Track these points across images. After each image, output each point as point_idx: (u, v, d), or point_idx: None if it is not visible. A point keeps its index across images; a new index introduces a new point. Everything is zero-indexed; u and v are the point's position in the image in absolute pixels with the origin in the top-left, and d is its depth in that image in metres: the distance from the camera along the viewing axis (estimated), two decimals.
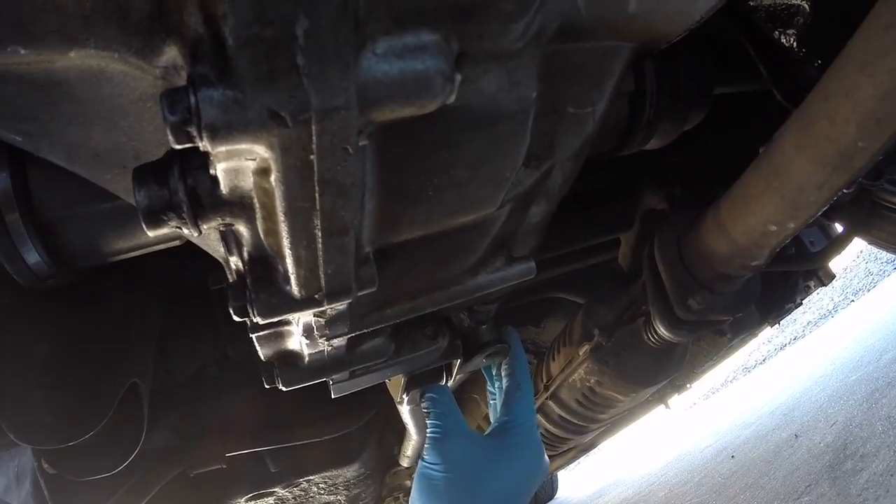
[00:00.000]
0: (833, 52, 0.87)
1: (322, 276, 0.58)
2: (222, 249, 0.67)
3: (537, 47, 0.58)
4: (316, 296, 0.61)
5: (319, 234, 0.53)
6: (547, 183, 0.80)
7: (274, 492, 2.13)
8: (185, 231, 0.54)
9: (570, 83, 0.68)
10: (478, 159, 0.62)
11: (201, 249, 0.76)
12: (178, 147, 0.43)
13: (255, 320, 0.65)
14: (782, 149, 1.00)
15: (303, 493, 2.24)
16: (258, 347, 0.83)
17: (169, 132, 0.42)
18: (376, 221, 0.64)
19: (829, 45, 1.00)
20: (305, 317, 0.70)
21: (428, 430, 1.13)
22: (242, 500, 2.09)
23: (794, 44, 1.17)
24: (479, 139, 0.60)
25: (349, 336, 0.82)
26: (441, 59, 0.46)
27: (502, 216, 0.77)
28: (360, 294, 0.65)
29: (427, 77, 0.46)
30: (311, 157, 0.45)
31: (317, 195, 0.49)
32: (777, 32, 1.18)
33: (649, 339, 1.49)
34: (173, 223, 0.52)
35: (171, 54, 0.48)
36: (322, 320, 0.71)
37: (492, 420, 1.25)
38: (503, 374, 1.23)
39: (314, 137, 0.44)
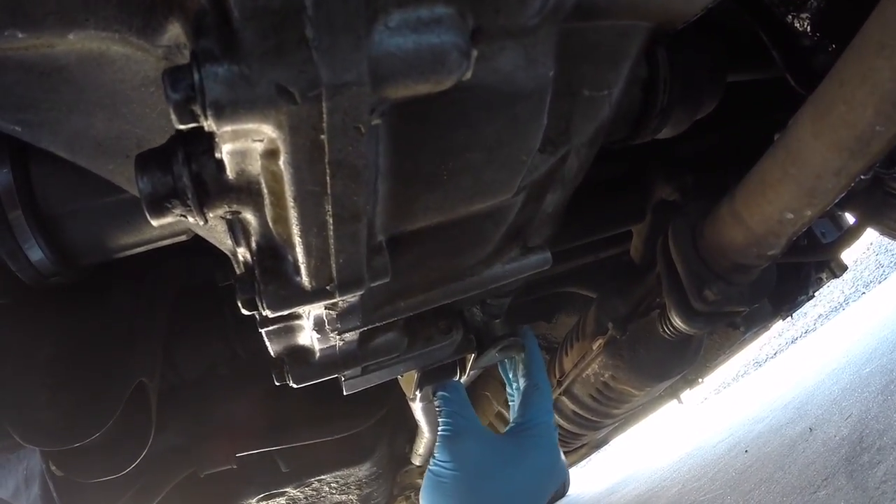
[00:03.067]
0: (848, 35, 0.86)
1: (333, 265, 0.56)
2: (229, 241, 0.65)
3: (554, 24, 0.56)
4: (327, 287, 0.59)
5: (331, 220, 0.51)
6: (562, 170, 0.77)
7: (285, 492, 2.12)
8: (191, 219, 0.52)
9: (587, 64, 0.66)
10: (494, 141, 0.60)
11: (209, 246, 0.74)
12: (182, 127, 0.41)
13: (264, 314, 0.63)
14: (798, 135, 0.98)
15: (314, 493, 2.22)
16: (268, 343, 0.81)
17: (172, 111, 0.39)
18: (389, 207, 0.62)
19: (844, 28, 0.98)
20: (316, 310, 0.68)
21: (440, 428, 1.11)
22: (254, 500, 2.08)
23: (808, 28, 1.14)
24: (496, 120, 0.58)
25: (361, 330, 0.79)
26: (456, 33, 0.44)
27: (517, 204, 0.75)
28: (372, 285, 0.62)
29: (442, 51, 0.43)
30: (322, 136, 0.43)
31: (328, 178, 0.46)
32: (790, 16, 1.16)
33: (665, 331, 1.47)
34: (178, 211, 0.50)
35: (174, 32, 0.46)
36: (333, 313, 0.69)
37: (510, 420, 1.23)
38: (519, 374, 1.20)
39: (325, 115, 0.42)
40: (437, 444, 1.10)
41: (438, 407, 1.14)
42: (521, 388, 1.19)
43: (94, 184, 0.69)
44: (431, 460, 1.10)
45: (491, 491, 1.04)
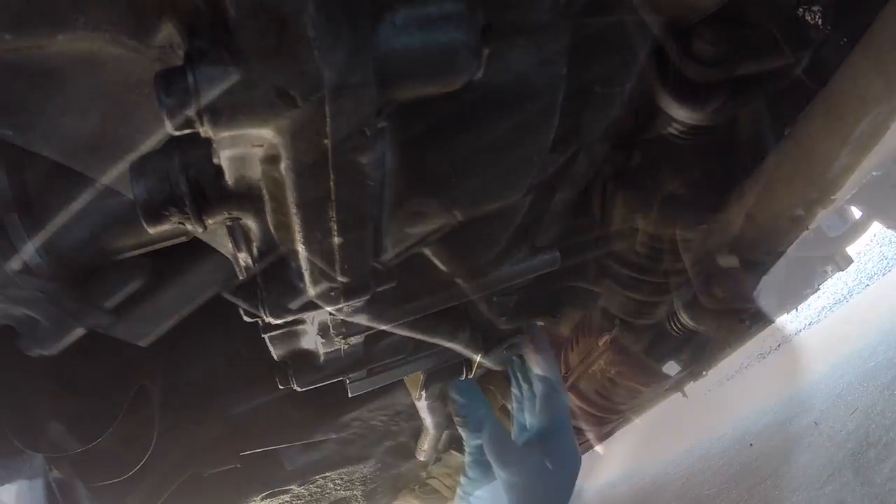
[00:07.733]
0: (860, 29, 0.84)
1: (338, 271, 0.54)
2: (230, 245, 0.63)
3: (567, 20, 0.54)
4: (332, 293, 0.57)
5: (335, 226, 0.48)
6: (572, 168, 0.75)
7: (289, 489, 2.11)
8: (189, 227, 0.50)
9: (599, 60, 0.64)
10: (504, 143, 0.58)
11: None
12: (177, 133, 0.38)
13: (266, 320, 0.61)
14: (809, 130, 0.96)
15: (319, 490, 2.22)
16: (271, 347, 0.79)
17: (165, 117, 0.37)
18: (395, 211, 0.60)
19: (856, 22, 0.97)
20: (321, 315, 0.66)
21: (469, 452, 1.08)
22: (258, 498, 2.07)
23: (820, 21, 1.12)
24: (507, 120, 0.56)
25: (366, 334, 0.78)
26: (466, 31, 0.42)
27: (526, 204, 0.72)
28: (378, 290, 0.60)
29: (452, 50, 0.41)
30: (325, 141, 0.41)
31: (331, 184, 0.44)
32: (802, 9, 1.14)
33: (672, 328, 1.46)
34: (175, 218, 0.48)
35: (167, 32, 0.43)
36: (338, 318, 0.67)
37: (519, 420, 1.18)
38: (530, 373, 1.16)
39: (328, 119, 0.39)
40: (468, 467, 1.06)
41: (460, 415, 1.08)
42: (538, 389, 1.13)
43: (90, 186, 0.67)
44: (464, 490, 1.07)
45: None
